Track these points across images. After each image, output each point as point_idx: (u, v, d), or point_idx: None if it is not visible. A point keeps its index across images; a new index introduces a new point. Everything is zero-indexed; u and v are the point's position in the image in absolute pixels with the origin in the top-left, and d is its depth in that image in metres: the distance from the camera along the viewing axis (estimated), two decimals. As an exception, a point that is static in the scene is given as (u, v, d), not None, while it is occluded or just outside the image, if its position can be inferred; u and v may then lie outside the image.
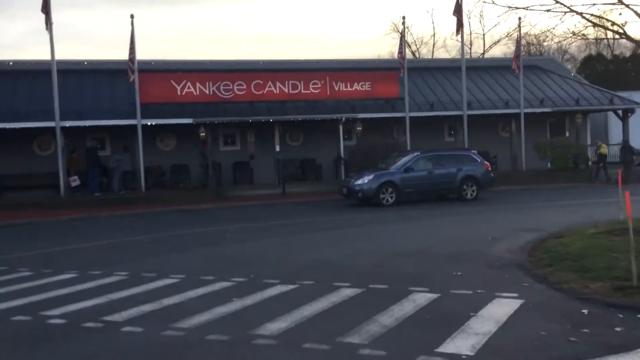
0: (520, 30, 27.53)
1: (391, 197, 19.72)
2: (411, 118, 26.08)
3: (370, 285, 8.51)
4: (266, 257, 11.29)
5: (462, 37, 27.11)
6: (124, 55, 23.53)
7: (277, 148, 25.68)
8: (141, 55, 24.16)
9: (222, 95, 24.96)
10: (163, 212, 20.43)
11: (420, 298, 7.75)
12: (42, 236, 15.81)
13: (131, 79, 23.03)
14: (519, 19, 29.35)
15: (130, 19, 23.10)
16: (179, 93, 24.53)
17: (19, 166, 24.36)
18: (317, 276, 9.27)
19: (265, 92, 25.36)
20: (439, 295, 7.88)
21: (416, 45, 55.60)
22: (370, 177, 19.77)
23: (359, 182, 19.79)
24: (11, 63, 25.57)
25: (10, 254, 12.76)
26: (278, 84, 25.44)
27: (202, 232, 15.37)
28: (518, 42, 27.71)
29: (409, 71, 26.27)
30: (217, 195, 23.49)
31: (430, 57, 51.56)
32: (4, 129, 22.97)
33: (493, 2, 22.40)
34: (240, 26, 73.93)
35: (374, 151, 23.87)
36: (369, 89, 26.38)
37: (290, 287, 8.65)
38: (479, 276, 9.00)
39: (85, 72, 26.07)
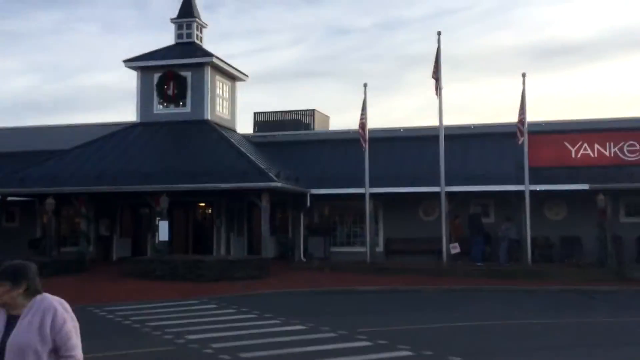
0: None
1: None
2: None
3: None
4: None
5: None
6: (512, 119, 22.08)
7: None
8: (531, 117, 22.33)
9: (625, 157, 21.27)
10: (553, 291, 17.76)
11: None
12: (421, 306, 14.91)
13: (520, 141, 21.31)
14: None
15: (521, 78, 21.62)
16: (573, 156, 21.83)
17: (405, 230, 24.73)
18: None
19: (681, 152, 20.72)
20: None
21: None
22: None
23: None
24: (402, 130, 26.59)
25: (386, 325, 11.94)
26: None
27: (611, 323, 12.34)
28: None
29: None
30: (616, 275, 19.65)
31: None
32: (393, 193, 23.60)
33: None
34: None
35: None
36: None
37: None
38: None
39: (472, 136, 25.44)
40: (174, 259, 19.58)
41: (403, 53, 63.63)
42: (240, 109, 31.06)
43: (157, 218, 20.01)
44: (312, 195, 23.67)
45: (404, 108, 74.22)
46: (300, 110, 31.93)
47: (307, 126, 31.52)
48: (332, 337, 10.65)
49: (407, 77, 68.15)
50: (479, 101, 68.00)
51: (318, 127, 31.48)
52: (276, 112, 32.44)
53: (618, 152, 21.35)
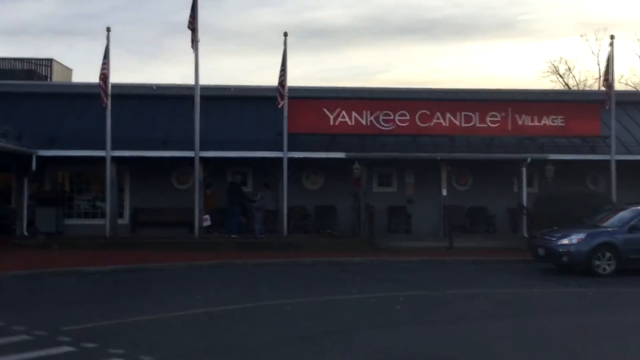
0: None
1: (609, 265, 14.62)
2: (617, 162, 20.63)
3: None
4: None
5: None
6: (273, 83, 20.64)
7: (444, 192, 21.31)
8: (292, 83, 21.09)
9: (380, 127, 21.20)
10: (308, 264, 16.79)
11: None
12: (152, 290, 12.65)
13: (280, 105, 19.98)
14: None
15: (283, 37, 20.26)
16: (331, 123, 21.12)
17: (156, 200, 22.07)
18: None
19: (432, 124, 21.24)
20: None
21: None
22: (581, 236, 14.83)
23: (565, 241, 14.89)
24: (154, 87, 23.67)
25: (101, 319, 9.47)
26: (448, 115, 21.23)
27: (361, 300, 11.38)
28: None
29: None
30: (369, 246, 19.51)
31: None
32: (143, 158, 20.78)
33: None
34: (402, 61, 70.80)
35: (571, 202, 18.75)
36: (562, 124, 21.35)
37: None
38: None
39: (231, 98, 23.57)
40: None
41: (167, 20, 59.37)
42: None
43: None
44: (41, 158, 19.78)
45: (166, 76, 70.25)
46: (35, 59, 27.13)
47: (43, 78, 26.90)
48: (25, 342, 7.92)
49: (171, 45, 64.33)
50: (240, 75, 67.03)
51: (58, 80, 27.05)
52: (6, 59, 27.18)
53: (374, 121, 21.17)
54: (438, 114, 21.22)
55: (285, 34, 20.53)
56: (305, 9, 61.67)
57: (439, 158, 21.08)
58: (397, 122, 21.25)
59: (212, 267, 16.02)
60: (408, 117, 21.24)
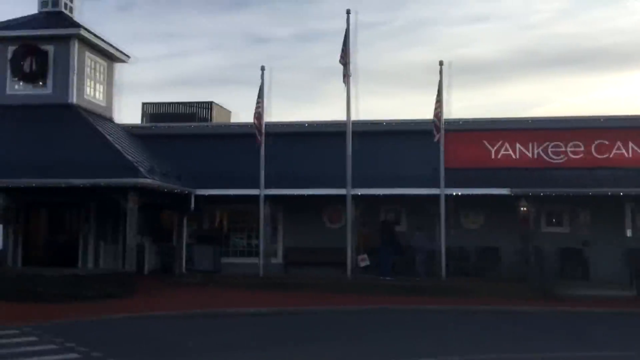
0: None
1: None
2: None
3: None
4: None
5: None
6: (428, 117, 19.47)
7: (628, 233, 18.61)
8: (448, 115, 19.74)
9: (549, 160, 19.14)
10: (469, 312, 15.13)
11: None
12: (309, 336, 11.78)
13: (436, 138, 18.71)
14: None
15: (439, 67, 19.11)
16: (492, 156, 19.43)
17: (308, 239, 21.56)
18: None
19: (611, 155, 18.80)
20: None
21: None
22: None
23: None
24: (306, 125, 23.46)
25: None
26: (631, 144, 18.67)
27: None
28: None
29: None
30: (540, 293, 17.31)
31: None
32: (294, 196, 20.44)
33: None
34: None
35: None
36: None
37: None
38: None
39: (383, 134, 22.66)
40: (12, 273, 15.56)
41: (320, 65, 60.36)
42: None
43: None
44: (199, 197, 20.14)
45: (319, 117, 71.38)
46: (196, 103, 28.31)
47: (204, 120, 27.97)
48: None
49: (323, 88, 65.60)
50: (391, 114, 66.28)
51: (217, 121, 27.98)
52: (169, 103, 28.68)
53: (542, 153, 19.16)
54: (619, 143, 18.72)
55: (441, 63, 19.34)
56: (456, 46, 60.01)
57: (621, 194, 18.45)
58: (569, 154, 19.08)
59: (370, 312, 14.93)
60: (582, 148, 19.03)
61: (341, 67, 19.35)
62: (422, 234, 19.81)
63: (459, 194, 19.19)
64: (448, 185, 18.91)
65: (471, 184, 19.31)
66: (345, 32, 19.33)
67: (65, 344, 10.27)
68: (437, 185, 18.93)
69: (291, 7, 63.46)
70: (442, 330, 12.74)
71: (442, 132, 18.78)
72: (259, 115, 19.80)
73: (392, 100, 63.98)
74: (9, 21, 21.24)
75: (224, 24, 62.53)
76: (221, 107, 29.36)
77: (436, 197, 18.92)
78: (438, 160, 19.03)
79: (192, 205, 19.83)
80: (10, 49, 20.50)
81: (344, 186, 19.23)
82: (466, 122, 21.69)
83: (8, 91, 20.66)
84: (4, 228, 16.25)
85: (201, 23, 60.54)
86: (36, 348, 10.06)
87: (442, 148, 18.94)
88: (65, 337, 10.75)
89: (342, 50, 19.28)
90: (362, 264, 19.42)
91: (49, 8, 21.48)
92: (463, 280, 18.92)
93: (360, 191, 19.49)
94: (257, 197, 19.78)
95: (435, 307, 15.36)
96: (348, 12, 19.39)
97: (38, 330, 11.53)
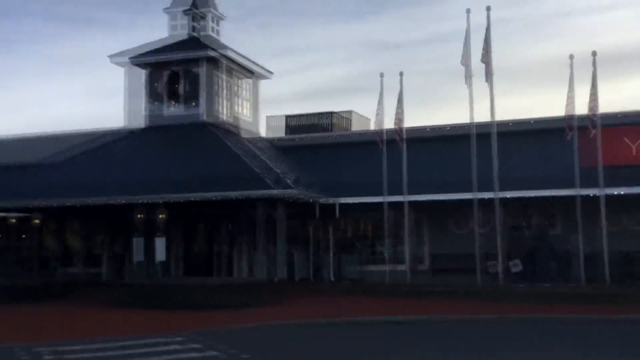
0: None
1: None
2: None
3: None
4: None
5: None
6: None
7: None
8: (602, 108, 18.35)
9: None
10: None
11: None
12: (479, 345, 11.35)
13: (592, 134, 17.47)
14: None
15: (592, 57, 17.83)
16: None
17: (453, 244, 20.86)
18: None
19: None
20: None
21: None
22: None
23: None
24: (448, 128, 22.86)
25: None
26: None
27: None
28: None
29: None
30: None
31: None
32: (437, 201, 19.96)
33: None
34: None
35: None
36: None
37: None
38: None
39: (527, 133, 21.50)
40: (165, 284, 16.68)
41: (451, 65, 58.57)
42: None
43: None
44: (342, 205, 20.35)
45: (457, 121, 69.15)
46: (336, 113, 28.72)
47: (343, 129, 28.31)
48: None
49: (442, 91, 63.50)
50: (530, 112, 62.74)
51: (356, 129, 28.18)
52: (308, 114, 29.38)
53: None
54: None
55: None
56: (590, 36, 55.59)
57: None
58: None
59: (528, 321, 14.14)
60: None
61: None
62: (578, 237, 18.52)
63: (621, 192, 17.72)
64: (607, 184, 17.55)
65: (632, 182, 17.76)
66: (486, 31, 18.73)
67: (229, 351, 10.73)
68: (592, 185, 17.62)
69: (418, 10, 62.45)
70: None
71: (599, 127, 17.47)
72: (398, 120, 19.70)
73: (522, 98, 60.68)
74: (164, 47, 22.85)
75: (344, 33, 62.70)
76: (360, 115, 29.58)
77: (593, 198, 17.60)
78: (596, 157, 17.69)
79: (337, 214, 20.08)
80: (165, 73, 22.04)
81: (489, 189, 18.48)
82: (623, 115, 20.05)
83: (165, 112, 22.20)
84: (167, 241, 17.44)
85: (323, 34, 61.41)
86: (174, 356, 10.55)
87: (599, 143, 17.63)
88: (227, 344, 11.25)
89: (484, 49, 18.66)
90: (514, 270, 18.57)
91: (198, 33, 22.85)
92: (630, 288, 17.36)
93: (508, 194, 18.65)
94: (400, 203, 19.60)
95: (600, 317, 14.16)
96: (488, 9, 18.80)
97: (200, 336, 12.19)
